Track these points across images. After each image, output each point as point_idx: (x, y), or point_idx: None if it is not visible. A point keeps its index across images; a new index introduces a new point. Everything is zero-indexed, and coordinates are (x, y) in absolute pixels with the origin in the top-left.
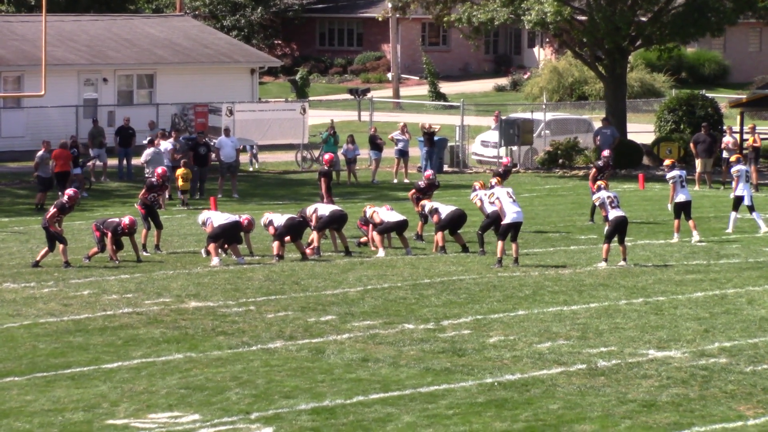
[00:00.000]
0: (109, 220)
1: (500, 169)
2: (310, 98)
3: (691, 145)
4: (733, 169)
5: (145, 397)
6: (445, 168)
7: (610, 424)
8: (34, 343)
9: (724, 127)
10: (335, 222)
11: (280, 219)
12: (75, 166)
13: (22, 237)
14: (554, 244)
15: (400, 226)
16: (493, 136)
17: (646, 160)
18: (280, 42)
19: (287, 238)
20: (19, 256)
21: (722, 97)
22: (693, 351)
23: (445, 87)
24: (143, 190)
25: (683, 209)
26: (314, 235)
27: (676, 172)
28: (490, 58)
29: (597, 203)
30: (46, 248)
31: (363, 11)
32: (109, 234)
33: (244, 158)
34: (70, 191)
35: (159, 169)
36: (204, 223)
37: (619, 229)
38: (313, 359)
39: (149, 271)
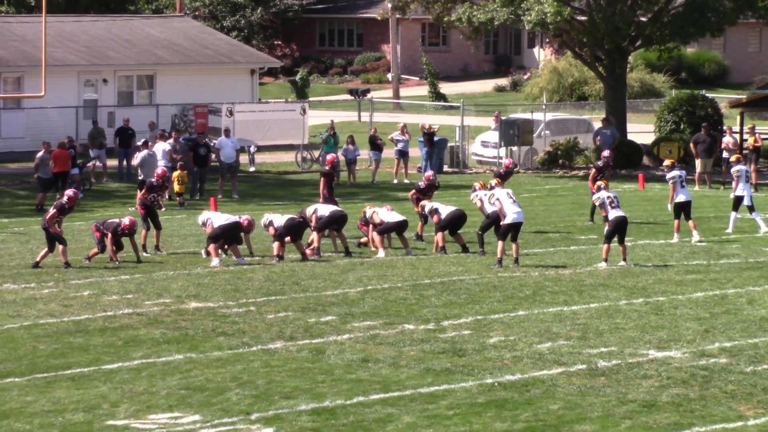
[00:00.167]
0: (109, 220)
1: (501, 170)
2: (310, 99)
3: (691, 145)
4: (733, 169)
5: (146, 397)
6: (445, 168)
7: (611, 425)
8: (34, 344)
9: (724, 128)
10: (335, 222)
11: (280, 219)
12: (73, 166)
13: (22, 238)
14: (554, 244)
15: (400, 227)
16: (493, 136)
17: (646, 161)
18: (280, 42)
19: (287, 239)
20: (19, 257)
21: (722, 98)
22: (693, 351)
23: (445, 87)
24: (143, 191)
25: (683, 209)
26: (314, 235)
27: (675, 173)
28: (490, 58)
29: (597, 203)
30: (46, 249)
31: (363, 12)
32: (109, 235)
33: (243, 159)
34: (69, 192)
35: (159, 170)
36: (204, 224)
37: (619, 229)
38: (314, 360)
39: (149, 272)
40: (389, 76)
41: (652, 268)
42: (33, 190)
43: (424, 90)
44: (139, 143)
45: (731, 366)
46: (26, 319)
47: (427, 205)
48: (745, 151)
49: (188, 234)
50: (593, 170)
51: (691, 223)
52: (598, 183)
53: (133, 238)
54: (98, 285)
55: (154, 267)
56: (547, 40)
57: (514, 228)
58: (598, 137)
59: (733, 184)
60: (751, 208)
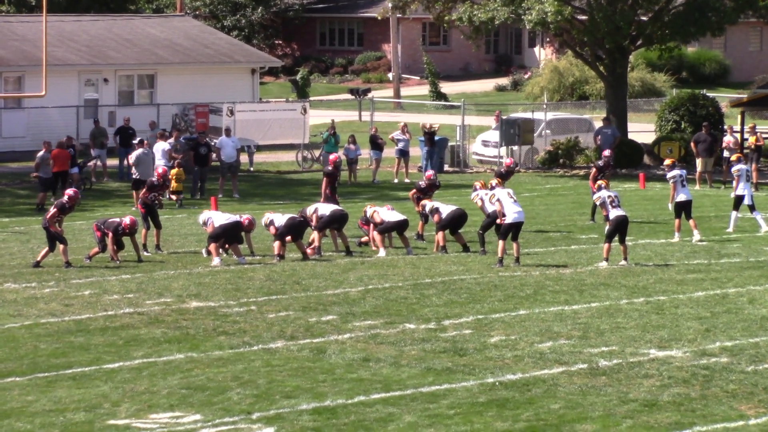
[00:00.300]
0: (110, 220)
1: (502, 170)
2: (311, 98)
3: (692, 144)
4: (734, 169)
5: (147, 397)
6: (446, 168)
7: (612, 424)
8: (35, 344)
9: (725, 127)
10: (336, 222)
11: (281, 219)
12: (72, 166)
13: (23, 237)
14: (555, 243)
15: (401, 226)
16: (494, 135)
17: (646, 160)
18: (280, 42)
19: (288, 238)
20: (20, 257)
21: (723, 97)
22: (694, 350)
23: (446, 87)
24: (144, 190)
25: (684, 209)
26: (315, 234)
27: (676, 172)
28: (490, 57)
29: (598, 203)
30: (47, 248)
31: (363, 11)
32: (110, 234)
33: (244, 158)
34: (70, 191)
35: (159, 169)
36: (205, 223)
37: (620, 228)
38: (315, 359)
39: (150, 271)
40: (390, 75)
41: (653, 268)
42: (34, 190)
43: (424, 89)
44: (135, 141)
45: (732, 365)
46: (27, 319)
47: (428, 204)
48: (745, 151)
49: (189, 233)
50: (594, 169)
51: (691, 222)
52: (599, 182)
53: (133, 237)
54: (99, 284)
55: (155, 266)
56: (548, 39)
57: (515, 227)
58: (599, 136)
59: (734, 183)
60: (751, 208)
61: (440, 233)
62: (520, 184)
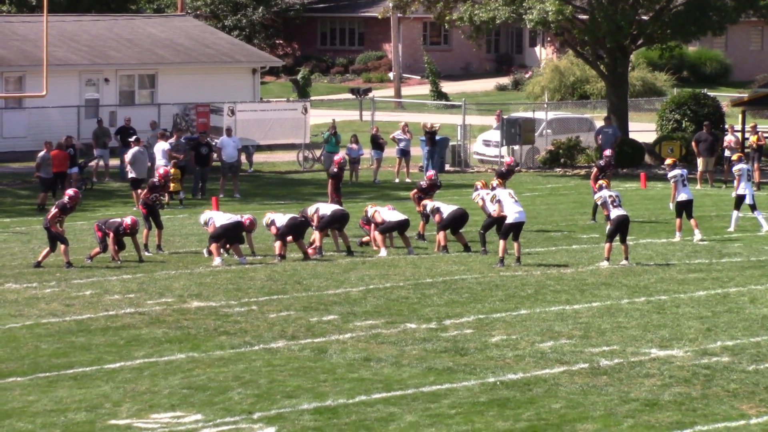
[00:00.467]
0: (111, 220)
1: (503, 169)
2: (312, 98)
3: (693, 143)
4: (735, 168)
5: (148, 397)
6: (447, 167)
7: (613, 423)
8: (36, 344)
9: (726, 126)
10: (337, 221)
11: (282, 219)
12: (72, 166)
13: (24, 237)
14: (556, 243)
15: (402, 226)
16: (495, 135)
17: (647, 159)
18: (281, 42)
19: (289, 238)
20: (20, 257)
21: (724, 96)
22: (695, 350)
23: (447, 86)
24: (145, 191)
25: (685, 208)
26: (316, 234)
27: (677, 171)
28: (491, 57)
29: (599, 202)
30: (48, 248)
31: (364, 11)
32: (111, 234)
33: (243, 159)
34: (70, 191)
35: (161, 170)
36: (206, 223)
37: (621, 228)
38: (316, 359)
39: (151, 271)
40: (391, 75)
41: (654, 267)
42: (34, 190)
43: (425, 89)
44: (131, 139)
45: (733, 365)
46: (28, 319)
47: (429, 204)
48: (746, 150)
49: (190, 233)
50: (595, 169)
51: (692, 221)
52: (600, 182)
53: (135, 237)
54: (100, 284)
55: (156, 266)
56: (549, 38)
57: (516, 227)
58: (600, 136)
59: (735, 182)
60: (753, 207)
61: (441, 233)
62: (521, 184)
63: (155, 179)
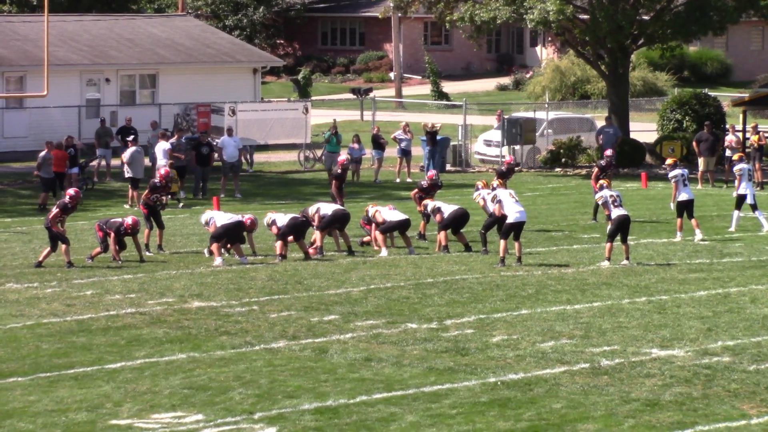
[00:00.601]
0: (112, 220)
1: (503, 168)
2: (313, 98)
3: (694, 143)
4: (736, 168)
5: (149, 397)
6: (448, 167)
7: (614, 424)
8: (37, 344)
9: (727, 126)
10: (338, 221)
11: (283, 219)
12: (72, 166)
13: (25, 237)
14: (557, 243)
15: (403, 226)
16: (496, 135)
17: (648, 159)
18: (282, 41)
19: (290, 238)
20: (22, 257)
21: (725, 96)
22: (696, 350)
23: (448, 86)
24: (146, 191)
25: (686, 208)
26: (317, 234)
27: (678, 171)
28: (492, 57)
29: (600, 202)
30: (49, 248)
31: (365, 10)
32: (112, 234)
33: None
34: (71, 191)
35: (162, 170)
36: (207, 223)
37: (622, 227)
38: (316, 359)
39: (152, 271)
40: (391, 75)
41: (654, 267)
42: (36, 190)
43: (426, 89)
44: (129, 138)
45: (734, 365)
46: (29, 319)
47: (430, 204)
48: (747, 150)
49: (191, 233)
50: (596, 169)
51: (693, 221)
52: (601, 182)
53: (136, 237)
54: (101, 284)
55: (157, 266)
56: (550, 38)
57: (517, 227)
58: (601, 136)
59: (736, 182)
60: (754, 207)
61: (442, 233)
62: (522, 184)
63: (156, 179)
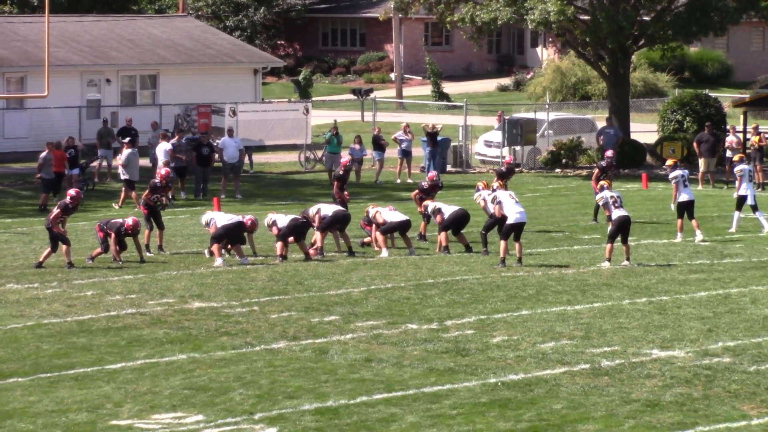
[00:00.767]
0: (113, 220)
1: (503, 168)
2: (313, 98)
3: (695, 144)
4: (736, 169)
5: (149, 397)
6: (449, 168)
7: (614, 424)
8: (37, 344)
9: (728, 127)
10: (338, 222)
11: (283, 220)
12: (72, 167)
13: (26, 238)
14: (557, 243)
15: (403, 227)
16: (497, 136)
17: (649, 160)
18: (282, 42)
19: (291, 239)
20: (22, 257)
21: (725, 97)
22: (696, 350)
23: (448, 87)
24: (146, 192)
25: (686, 209)
26: (317, 235)
27: (678, 172)
28: (493, 57)
29: (600, 203)
30: (49, 249)
31: (365, 11)
32: (113, 235)
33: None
34: (72, 191)
35: (162, 170)
36: (207, 224)
37: (623, 228)
38: (317, 359)
39: (152, 272)
40: (392, 75)
41: (655, 268)
42: (36, 191)
43: (427, 90)
44: (125, 140)
45: (735, 365)
46: (29, 319)
47: (430, 204)
48: (748, 151)
49: (191, 234)
50: (597, 170)
51: (694, 222)
52: (602, 182)
53: (136, 238)
54: (101, 285)
55: (158, 267)
56: (550, 39)
57: (517, 228)
58: (602, 137)
59: (737, 183)
60: (754, 208)
61: (443, 234)
62: (523, 185)
63: (156, 180)
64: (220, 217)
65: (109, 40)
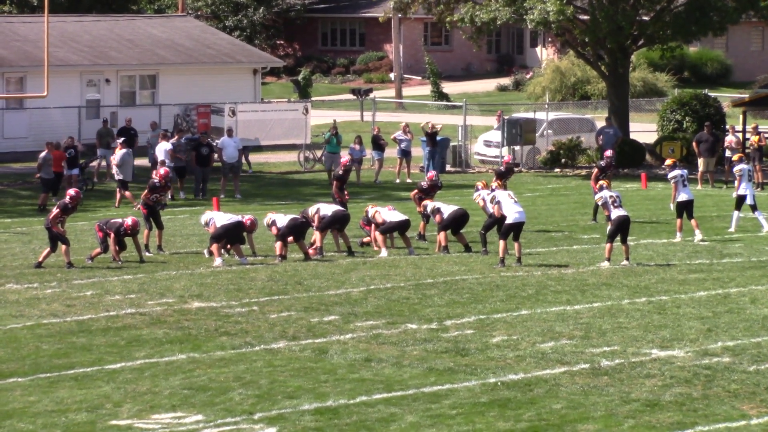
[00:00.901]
0: (112, 220)
1: (502, 167)
2: (313, 98)
3: (694, 144)
4: (736, 169)
5: (149, 397)
6: (448, 168)
7: (614, 424)
8: (37, 344)
9: (727, 127)
10: (338, 222)
11: (283, 219)
12: (71, 167)
13: (25, 238)
14: (557, 243)
15: (403, 226)
16: (496, 135)
17: (648, 160)
18: (282, 42)
19: (290, 239)
20: (21, 257)
21: (725, 97)
22: (696, 350)
23: (448, 87)
24: (146, 191)
25: (685, 208)
26: (317, 235)
27: (677, 172)
28: (492, 57)
29: (600, 203)
30: (48, 249)
31: (365, 11)
32: (112, 234)
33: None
34: (72, 191)
35: (162, 170)
36: (207, 224)
37: (622, 228)
38: (316, 359)
39: (152, 272)
40: (392, 75)
41: (654, 268)
42: (35, 191)
43: (426, 89)
44: (120, 141)
45: (734, 365)
46: (29, 319)
47: (430, 204)
48: (747, 151)
49: (191, 234)
50: (596, 170)
51: (693, 222)
52: (601, 182)
53: (136, 238)
54: (101, 285)
55: (157, 267)
56: (550, 39)
57: (516, 227)
58: (601, 136)
59: (736, 183)
60: (753, 207)
61: (442, 233)
62: (522, 184)
63: (155, 180)
64: (219, 217)
65: (108, 40)
